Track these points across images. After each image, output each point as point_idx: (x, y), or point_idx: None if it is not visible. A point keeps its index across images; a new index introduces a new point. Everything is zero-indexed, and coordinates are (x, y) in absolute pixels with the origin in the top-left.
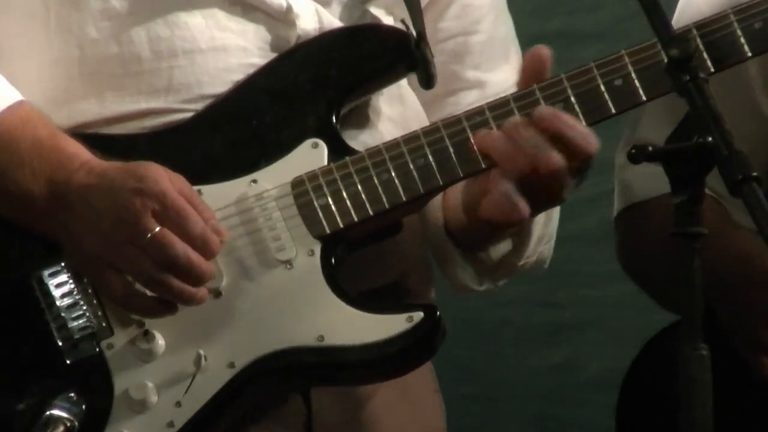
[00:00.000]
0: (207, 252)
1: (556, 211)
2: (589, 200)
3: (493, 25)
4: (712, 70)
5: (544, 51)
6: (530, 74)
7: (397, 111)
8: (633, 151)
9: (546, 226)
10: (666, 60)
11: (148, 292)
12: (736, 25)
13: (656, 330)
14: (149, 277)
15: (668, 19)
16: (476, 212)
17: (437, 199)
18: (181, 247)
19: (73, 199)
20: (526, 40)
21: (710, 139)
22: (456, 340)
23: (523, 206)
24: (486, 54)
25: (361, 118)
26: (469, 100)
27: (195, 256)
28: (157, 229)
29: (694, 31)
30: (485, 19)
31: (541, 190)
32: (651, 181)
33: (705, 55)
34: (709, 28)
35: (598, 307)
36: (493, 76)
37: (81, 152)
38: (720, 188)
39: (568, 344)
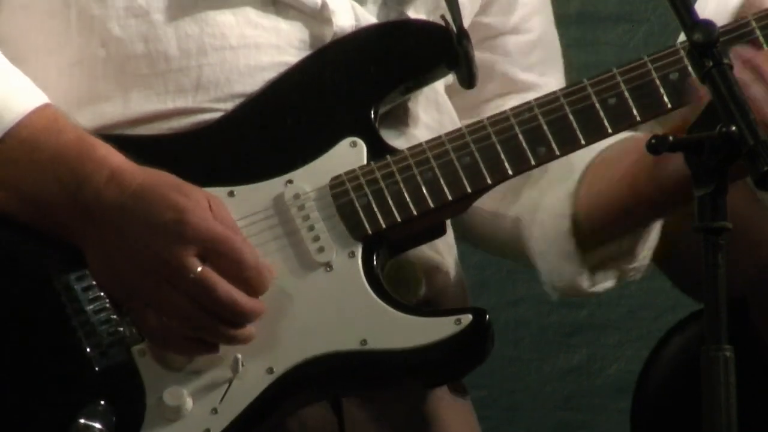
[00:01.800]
0: (258, 292)
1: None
2: None
3: (543, 24)
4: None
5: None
6: None
7: (433, 117)
8: (653, 141)
9: (657, 231)
10: (689, 45)
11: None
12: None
13: None
14: (189, 320)
15: (691, 2)
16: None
17: (560, 196)
18: (225, 290)
19: (103, 217)
20: None
21: (734, 128)
22: None
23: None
24: (538, 55)
25: (397, 124)
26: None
27: (241, 298)
28: (200, 269)
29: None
30: (535, 17)
31: None
32: None
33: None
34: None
35: (616, 306)
36: (547, 81)
37: (110, 156)
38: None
39: (586, 345)
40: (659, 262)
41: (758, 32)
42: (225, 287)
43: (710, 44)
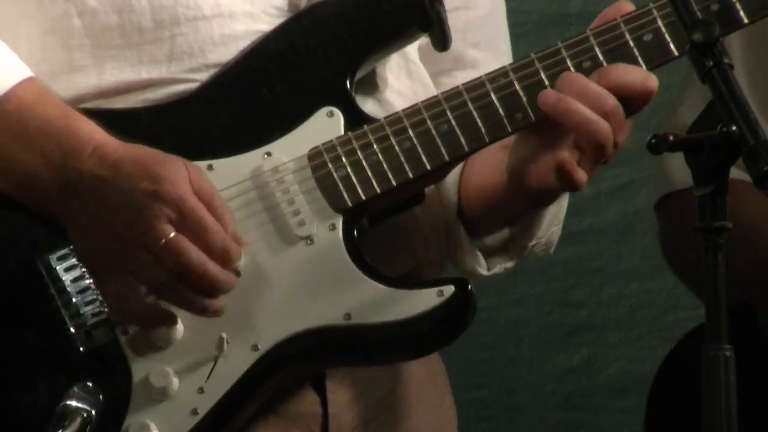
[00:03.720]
0: (226, 262)
1: (566, 194)
2: (608, 193)
3: (492, 2)
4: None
5: (628, 7)
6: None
7: (404, 84)
8: (653, 140)
9: (557, 204)
10: (689, 45)
11: (150, 300)
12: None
13: (677, 330)
14: (160, 285)
15: (691, 1)
16: (522, 177)
17: (452, 177)
18: (196, 256)
19: (84, 190)
20: (545, 20)
21: (735, 128)
22: (469, 341)
23: (582, 176)
24: (486, 31)
25: (369, 89)
26: (464, 80)
27: (211, 266)
28: (172, 234)
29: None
30: None
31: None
32: None
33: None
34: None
35: (616, 306)
36: (490, 58)
37: (94, 133)
38: None
39: (586, 345)
40: (672, 261)
41: (627, 36)
42: (196, 254)
43: (710, 44)
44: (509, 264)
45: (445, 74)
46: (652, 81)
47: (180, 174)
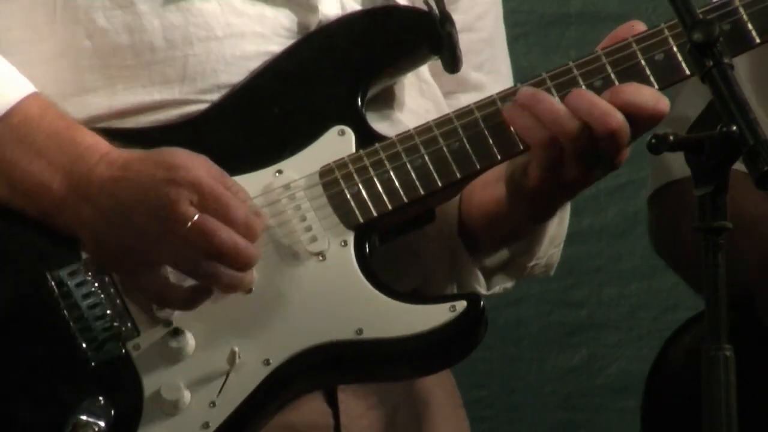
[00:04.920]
0: (251, 235)
1: (567, 213)
2: (608, 193)
3: (494, 24)
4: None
5: (641, 27)
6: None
7: (417, 103)
8: (653, 140)
9: (558, 226)
10: (689, 45)
11: (185, 284)
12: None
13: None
14: (195, 267)
15: (691, 1)
16: (520, 183)
17: (449, 203)
18: (225, 233)
19: (96, 192)
20: (545, 20)
21: (735, 128)
22: None
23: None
24: (487, 54)
25: (382, 108)
26: (467, 103)
27: (240, 241)
28: (197, 216)
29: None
30: (488, 16)
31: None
32: None
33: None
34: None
35: (616, 306)
36: (491, 79)
37: (99, 143)
38: None
39: (586, 345)
40: (663, 252)
41: (639, 55)
42: (226, 231)
43: (710, 44)
44: (509, 284)
45: (450, 96)
46: (663, 103)
47: (190, 158)
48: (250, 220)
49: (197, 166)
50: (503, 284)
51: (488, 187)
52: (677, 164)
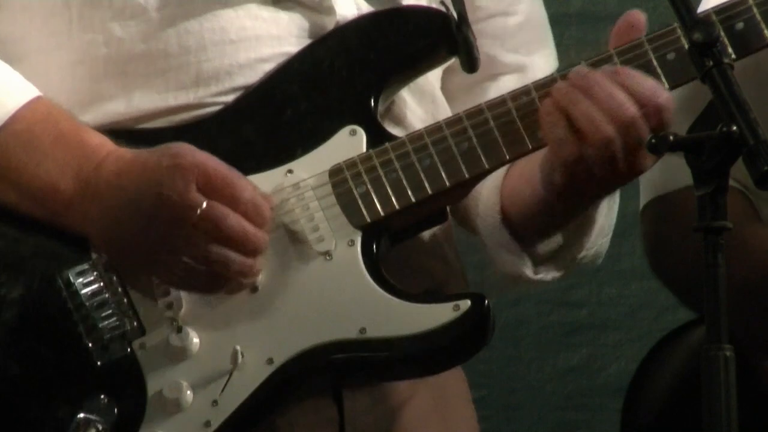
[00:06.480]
0: (260, 220)
1: (615, 203)
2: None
3: (530, 5)
4: (734, 57)
5: (639, 16)
6: (620, 39)
7: (428, 111)
8: (653, 140)
9: (607, 217)
10: (689, 44)
11: (205, 269)
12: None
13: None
14: (206, 254)
15: (691, 1)
16: (551, 175)
17: (491, 187)
18: (235, 218)
19: (103, 188)
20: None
21: (735, 128)
22: None
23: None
24: (524, 36)
25: (393, 116)
26: (510, 86)
27: (249, 226)
28: (205, 203)
29: (714, 17)
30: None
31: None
32: (678, 171)
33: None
34: (730, 12)
35: (616, 306)
36: (533, 60)
37: (106, 143)
38: (746, 180)
39: (586, 345)
40: (656, 268)
41: (651, 54)
42: (235, 217)
43: (710, 44)
44: (557, 274)
45: (491, 79)
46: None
47: (193, 147)
48: (257, 202)
49: (199, 152)
50: (552, 274)
51: (524, 175)
52: (665, 176)
